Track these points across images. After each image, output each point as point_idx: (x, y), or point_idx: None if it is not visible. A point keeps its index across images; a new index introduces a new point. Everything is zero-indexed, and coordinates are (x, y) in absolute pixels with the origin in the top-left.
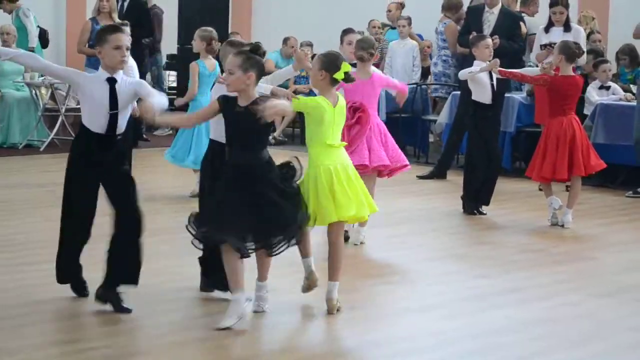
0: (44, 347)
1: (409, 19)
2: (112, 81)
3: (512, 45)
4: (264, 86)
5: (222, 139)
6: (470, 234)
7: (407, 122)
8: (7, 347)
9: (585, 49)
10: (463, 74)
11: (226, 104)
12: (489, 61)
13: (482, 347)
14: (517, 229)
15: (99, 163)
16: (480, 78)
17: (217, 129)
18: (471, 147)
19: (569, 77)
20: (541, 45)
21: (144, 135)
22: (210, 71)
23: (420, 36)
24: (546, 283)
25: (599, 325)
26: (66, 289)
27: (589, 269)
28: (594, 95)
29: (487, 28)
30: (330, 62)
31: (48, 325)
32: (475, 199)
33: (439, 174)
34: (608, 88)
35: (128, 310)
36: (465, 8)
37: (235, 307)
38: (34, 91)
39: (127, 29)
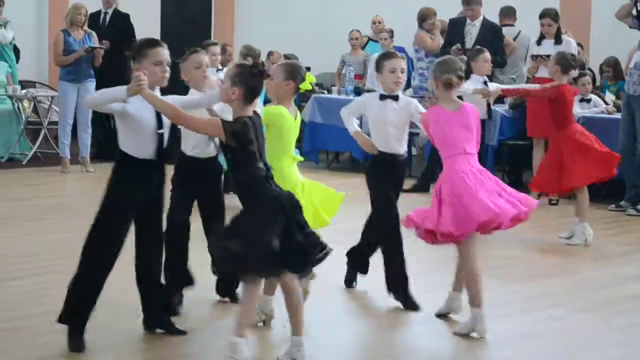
0: None
1: (391, 32)
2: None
3: (495, 58)
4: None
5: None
6: (452, 248)
7: None
8: None
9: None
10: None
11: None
12: (487, 75)
13: None
14: (501, 242)
15: (144, 193)
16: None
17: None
18: None
19: (569, 86)
20: (532, 56)
21: None
22: None
23: (402, 49)
24: (530, 297)
25: (584, 340)
26: (50, 304)
27: (573, 282)
28: (575, 108)
29: (469, 40)
30: (296, 72)
31: (29, 340)
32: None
33: (422, 187)
34: (589, 101)
35: (183, 332)
36: (437, 19)
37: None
38: (16, 104)
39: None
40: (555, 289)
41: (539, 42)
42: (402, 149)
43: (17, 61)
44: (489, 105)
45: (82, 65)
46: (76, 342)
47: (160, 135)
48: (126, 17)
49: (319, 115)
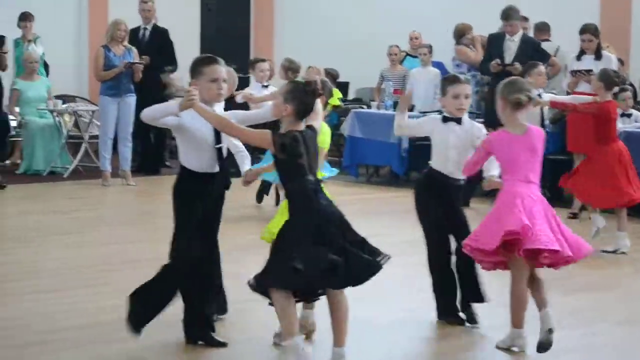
0: None
1: (429, 47)
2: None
3: None
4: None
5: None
6: None
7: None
8: None
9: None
10: None
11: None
12: (543, 89)
13: None
14: None
15: (201, 203)
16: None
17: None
18: None
19: (615, 103)
20: (572, 72)
21: (166, 163)
22: None
23: (440, 64)
24: (569, 311)
25: (623, 355)
26: (89, 316)
27: (612, 296)
28: (617, 123)
29: (508, 56)
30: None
31: (71, 352)
32: None
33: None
34: (629, 115)
35: (224, 345)
36: (476, 34)
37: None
38: (57, 118)
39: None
40: (592, 302)
41: (578, 58)
42: (459, 174)
43: (46, 76)
44: (542, 118)
45: (123, 80)
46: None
47: (219, 150)
48: (165, 32)
49: (359, 130)
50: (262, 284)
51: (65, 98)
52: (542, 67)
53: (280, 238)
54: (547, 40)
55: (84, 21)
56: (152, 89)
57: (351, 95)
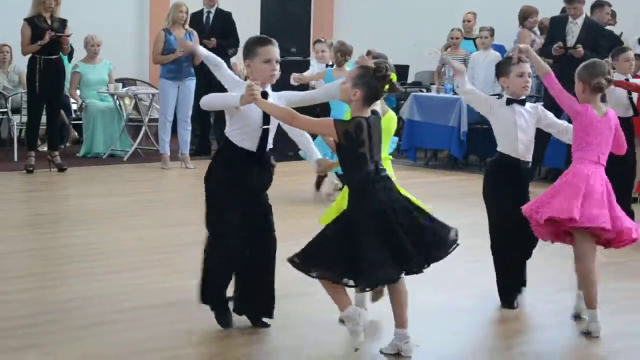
0: (131, 355)
1: (491, 29)
2: (264, 95)
3: (596, 57)
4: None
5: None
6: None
7: (488, 133)
8: (93, 355)
9: None
10: None
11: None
12: (630, 74)
13: None
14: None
15: (244, 182)
16: (614, 90)
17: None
18: None
19: None
20: (635, 55)
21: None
22: None
23: (501, 47)
24: (630, 296)
25: None
26: (148, 297)
27: None
28: None
29: (571, 39)
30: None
31: (132, 333)
32: None
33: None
34: None
35: (266, 325)
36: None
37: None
38: (117, 101)
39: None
40: None
41: None
42: (529, 156)
43: (69, 61)
44: (631, 101)
45: (183, 64)
46: (221, 318)
47: (265, 130)
48: (229, 15)
49: (418, 113)
50: (311, 271)
51: (125, 81)
52: (630, 53)
53: (335, 227)
54: (612, 24)
55: (146, 4)
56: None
57: (410, 79)
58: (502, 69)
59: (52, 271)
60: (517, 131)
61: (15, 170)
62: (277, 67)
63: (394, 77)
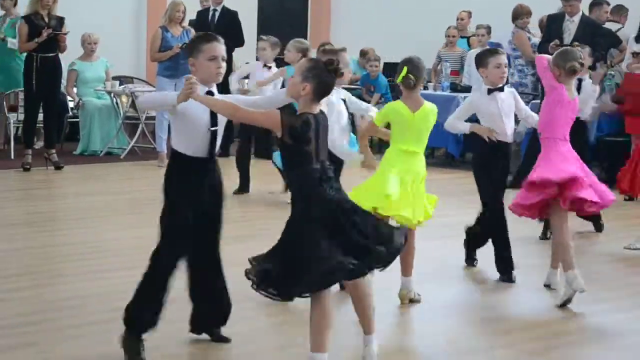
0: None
1: (488, 27)
2: (210, 95)
3: (593, 54)
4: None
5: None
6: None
7: None
8: (90, 353)
9: None
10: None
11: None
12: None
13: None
14: (606, 238)
15: (197, 191)
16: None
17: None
18: None
19: None
20: (632, 53)
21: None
22: None
23: (498, 45)
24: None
25: None
26: None
27: None
28: None
29: (568, 37)
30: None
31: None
32: None
33: (517, 183)
34: None
35: (227, 340)
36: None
37: None
38: (114, 99)
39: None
40: None
41: (637, 39)
42: (511, 136)
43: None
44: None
45: (180, 62)
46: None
47: (214, 133)
48: (235, 14)
49: None
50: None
51: (122, 79)
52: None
53: (287, 235)
54: (614, 21)
55: (143, 2)
56: None
57: None
58: (481, 61)
59: (49, 269)
60: (502, 117)
61: (12, 168)
62: (223, 64)
63: (404, 71)
